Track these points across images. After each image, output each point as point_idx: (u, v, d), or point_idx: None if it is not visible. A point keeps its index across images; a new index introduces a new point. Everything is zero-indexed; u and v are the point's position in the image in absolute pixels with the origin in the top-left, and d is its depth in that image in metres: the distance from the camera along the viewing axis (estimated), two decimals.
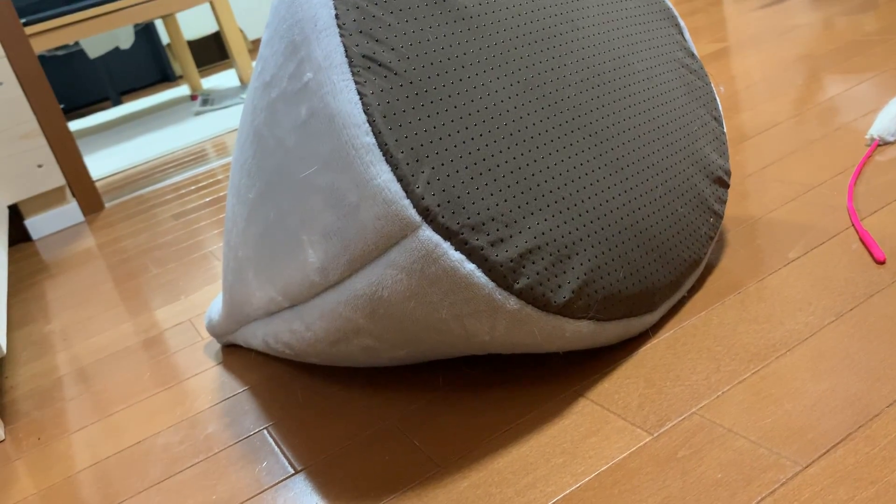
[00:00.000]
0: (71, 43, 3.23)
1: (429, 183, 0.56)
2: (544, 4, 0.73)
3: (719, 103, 0.85)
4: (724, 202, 0.76)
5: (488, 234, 0.56)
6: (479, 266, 0.56)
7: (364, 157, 0.56)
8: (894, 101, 0.93)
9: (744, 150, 1.01)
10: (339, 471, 0.60)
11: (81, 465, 0.72)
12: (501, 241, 0.57)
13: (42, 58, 3.91)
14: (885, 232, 0.71)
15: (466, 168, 0.58)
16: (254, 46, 4.15)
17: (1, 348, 0.79)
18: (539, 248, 0.58)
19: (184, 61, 3.35)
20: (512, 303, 0.56)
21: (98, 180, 2.15)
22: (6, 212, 1.60)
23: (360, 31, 0.59)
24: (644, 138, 0.72)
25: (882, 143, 0.89)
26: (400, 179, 0.55)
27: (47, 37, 2.53)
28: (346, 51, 0.58)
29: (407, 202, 0.55)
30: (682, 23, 0.86)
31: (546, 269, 0.58)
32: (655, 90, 0.77)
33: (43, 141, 1.65)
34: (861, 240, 0.70)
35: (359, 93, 0.57)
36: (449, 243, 0.55)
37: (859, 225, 0.72)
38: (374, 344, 0.63)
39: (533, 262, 0.58)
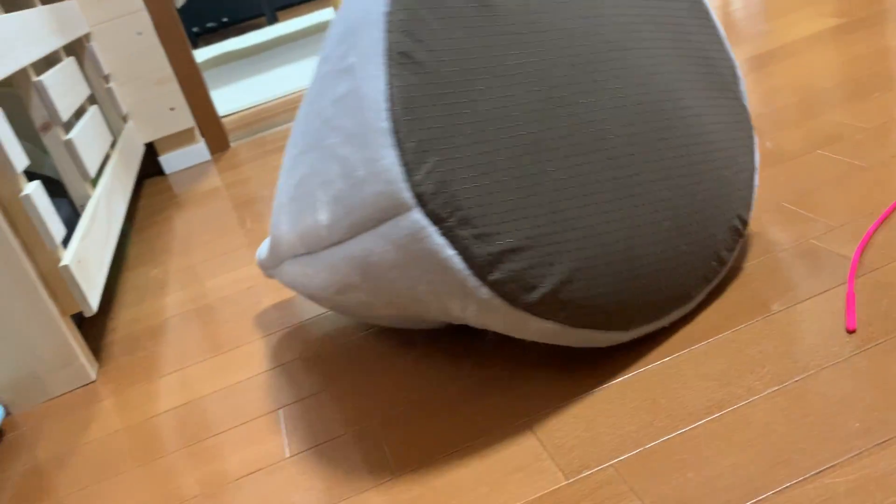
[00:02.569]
0: None
1: (429, 173, 0.63)
2: (601, 31, 0.76)
3: (758, 156, 0.85)
4: (732, 250, 0.78)
5: (474, 228, 0.64)
6: (459, 253, 0.63)
7: (377, 139, 0.64)
8: None
9: (791, 169, 0.99)
10: (318, 463, 0.71)
11: (165, 407, 0.88)
12: (486, 236, 0.64)
13: None
14: (875, 294, 0.71)
15: (470, 167, 0.65)
16: None
17: (90, 307, 0.95)
18: (521, 249, 0.65)
19: None
20: (483, 292, 0.64)
21: (227, 116, 2.34)
22: (142, 149, 1.80)
23: (403, 31, 0.66)
24: (666, 172, 0.74)
25: None
26: (404, 164, 0.63)
27: None
28: (387, 45, 0.66)
29: (404, 185, 0.63)
30: (739, 73, 0.86)
31: (523, 270, 0.64)
32: (695, 130, 0.79)
33: (176, 86, 1.83)
34: (846, 299, 0.71)
35: (388, 83, 0.65)
36: (435, 228, 0.63)
37: (851, 284, 0.72)
38: (367, 299, 0.73)
39: (511, 262, 0.64)
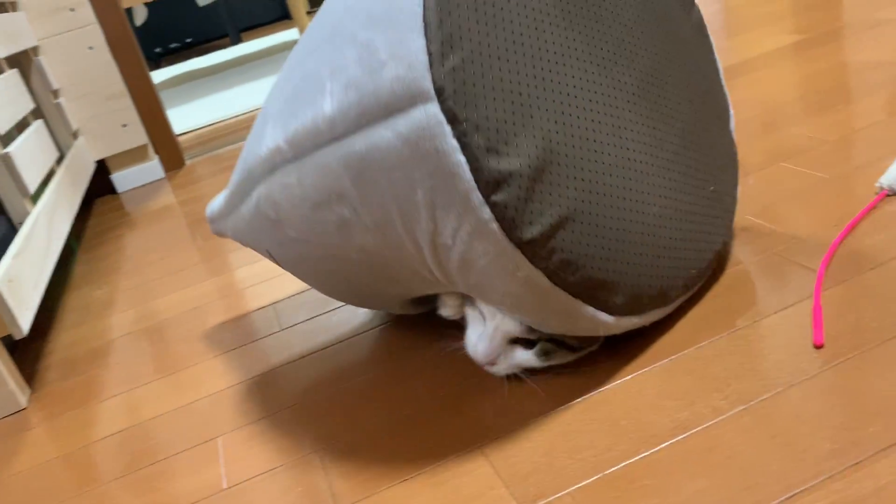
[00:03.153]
0: None
1: (453, 69, 0.59)
2: (624, 13, 0.75)
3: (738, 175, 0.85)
4: (709, 268, 0.75)
5: (488, 140, 0.59)
6: (468, 162, 0.58)
7: (406, 22, 0.60)
8: None
9: (755, 182, 0.97)
10: (256, 496, 0.66)
11: (104, 433, 0.82)
12: (497, 152, 0.59)
13: None
14: (841, 308, 0.68)
15: (494, 78, 0.60)
16: None
17: (20, 329, 0.89)
18: (525, 177, 0.60)
19: (293, 2, 3.43)
20: (484, 212, 0.59)
21: (185, 133, 2.28)
22: (93, 166, 1.74)
23: None
24: (669, 162, 0.74)
25: (891, 194, 0.84)
26: (429, 53, 0.59)
27: None
28: None
29: (427, 74, 0.58)
30: (731, 111, 0.87)
31: (525, 200, 0.60)
32: (698, 138, 0.79)
33: (129, 102, 1.78)
34: (812, 314, 0.68)
35: None
36: (450, 128, 0.58)
37: (818, 298, 0.70)
38: (350, 216, 0.66)
39: (515, 188, 0.59)
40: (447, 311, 0.76)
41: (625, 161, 0.69)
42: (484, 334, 0.69)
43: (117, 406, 0.88)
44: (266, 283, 1.09)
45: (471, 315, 0.72)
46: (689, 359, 0.67)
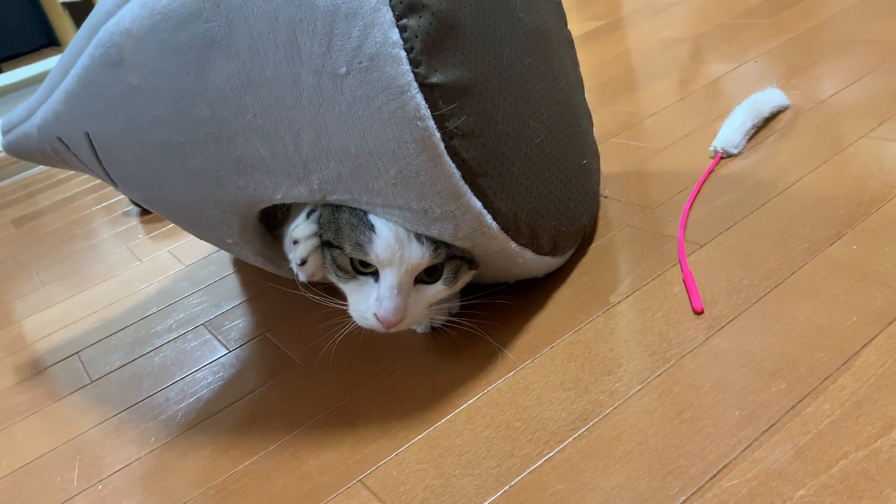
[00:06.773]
0: None
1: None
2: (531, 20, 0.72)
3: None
4: (584, 227, 0.74)
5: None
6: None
7: None
8: (737, 110, 0.88)
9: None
10: None
11: None
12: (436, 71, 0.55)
13: None
14: (710, 272, 0.66)
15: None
16: None
17: None
18: (437, 18, 0.55)
19: (60, 27, 3.12)
20: (392, 33, 0.52)
21: None
22: None
23: None
24: (561, 127, 0.73)
25: (725, 156, 0.84)
26: None
27: None
28: None
29: None
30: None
31: (434, 43, 0.55)
32: (578, 129, 0.78)
33: None
34: (684, 281, 0.66)
35: None
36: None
37: (685, 264, 0.67)
38: (221, 33, 0.55)
39: (429, 23, 0.54)
40: (300, 252, 0.62)
41: (520, 82, 0.65)
42: (384, 286, 0.59)
43: None
44: (65, 329, 0.92)
45: (351, 284, 0.61)
46: (570, 344, 0.62)
